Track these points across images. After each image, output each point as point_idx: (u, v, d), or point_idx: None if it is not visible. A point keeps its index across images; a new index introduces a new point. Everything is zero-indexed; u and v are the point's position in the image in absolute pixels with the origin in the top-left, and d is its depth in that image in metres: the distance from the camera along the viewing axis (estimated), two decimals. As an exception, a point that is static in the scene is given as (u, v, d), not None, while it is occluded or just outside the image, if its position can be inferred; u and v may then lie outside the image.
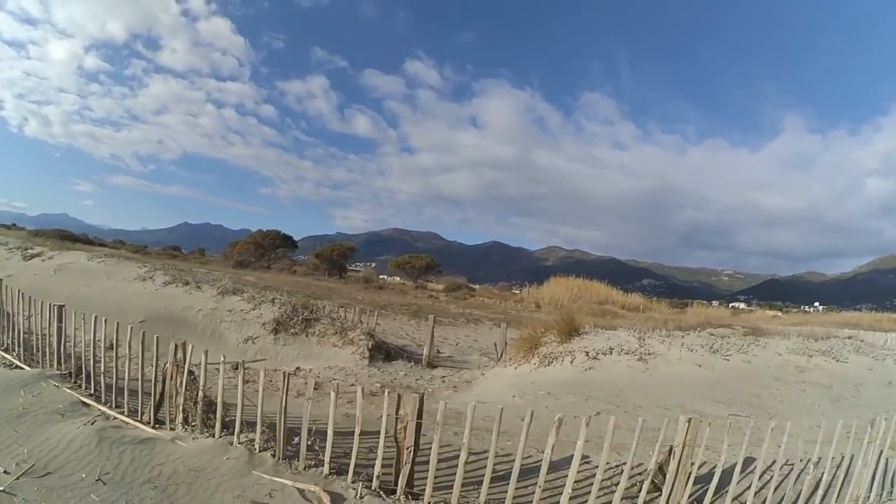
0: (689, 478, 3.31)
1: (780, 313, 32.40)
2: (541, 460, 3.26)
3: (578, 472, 3.19)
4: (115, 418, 4.25)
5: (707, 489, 3.42)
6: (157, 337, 4.39)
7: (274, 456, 3.76)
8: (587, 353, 8.35)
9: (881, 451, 3.99)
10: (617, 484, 3.29)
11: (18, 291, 5.38)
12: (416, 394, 3.49)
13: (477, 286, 33.96)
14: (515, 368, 8.71)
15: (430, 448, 3.39)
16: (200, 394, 4.11)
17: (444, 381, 8.59)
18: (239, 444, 3.85)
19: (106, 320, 4.89)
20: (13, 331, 5.42)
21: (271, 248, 31.70)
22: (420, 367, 9.41)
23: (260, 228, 33.57)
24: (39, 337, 5.27)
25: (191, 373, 4.23)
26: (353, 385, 7.69)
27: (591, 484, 3.22)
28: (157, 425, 4.25)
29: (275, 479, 3.41)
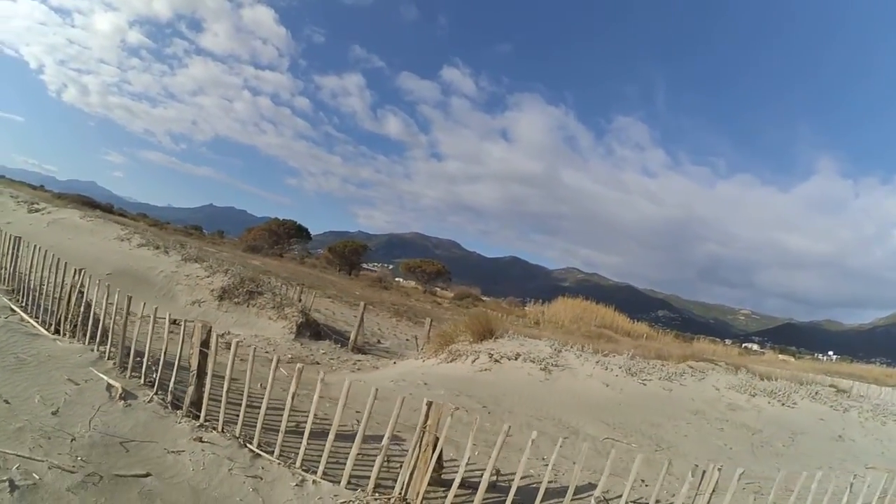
0: (428, 465, 3.98)
1: (792, 358, 31.33)
2: (352, 430, 4.45)
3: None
4: (27, 321, 6.18)
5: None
6: (66, 263, 6.30)
7: (115, 364, 5.44)
8: (490, 355, 9.51)
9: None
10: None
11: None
12: (204, 324, 5.05)
13: (487, 299, 35.30)
14: (423, 361, 10.02)
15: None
16: (81, 309, 5.93)
17: (355, 364, 10.08)
18: (96, 350, 5.59)
19: (58, 259, 6.88)
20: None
21: (286, 237, 34.78)
22: (344, 350, 10.94)
23: (272, 216, 36.87)
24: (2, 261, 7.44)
25: (81, 293, 6.06)
26: (266, 353, 9.34)
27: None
28: (56, 333, 6.12)
29: (100, 374, 5.07)
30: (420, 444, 4.02)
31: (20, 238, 7.14)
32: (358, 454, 4.20)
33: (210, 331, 5.01)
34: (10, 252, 7.23)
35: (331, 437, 4.25)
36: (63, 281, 6.22)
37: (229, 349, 4.88)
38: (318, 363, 9.77)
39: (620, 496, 3.99)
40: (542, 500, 3.90)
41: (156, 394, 5.03)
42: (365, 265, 39.10)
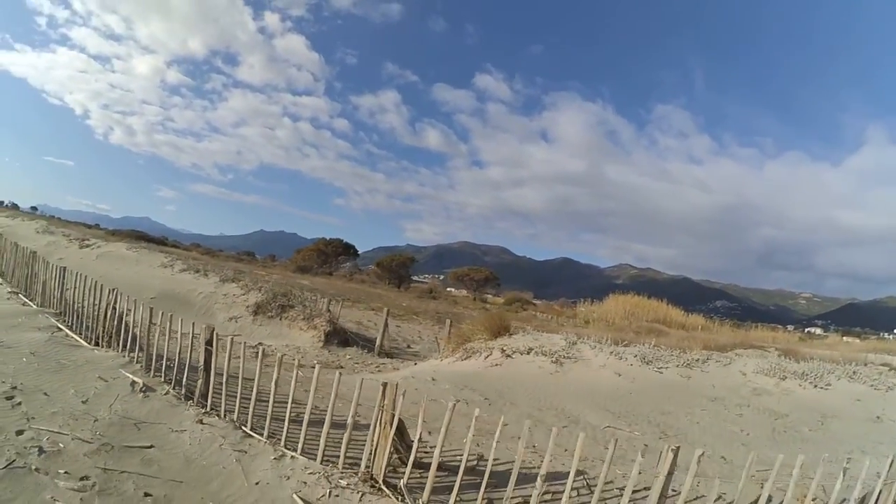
0: (387, 441, 4.45)
1: (857, 340, 28.67)
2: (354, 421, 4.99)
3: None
4: (71, 336, 7.55)
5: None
6: (102, 285, 7.62)
7: (141, 367, 6.59)
8: (503, 351, 10.03)
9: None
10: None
11: (42, 258, 9.29)
12: (207, 325, 6.06)
13: (539, 302, 35.40)
14: (441, 360, 10.68)
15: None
16: (115, 323, 7.19)
17: (377, 367, 10.92)
18: (127, 356, 6.79)
19: (95, 282, 8.32)
20: (39, 284, 9.31)
21: (334, 255, 36.84)
22: (370, 355, 11.84)
23: (321, 236, 39.24)
24: (52, 289, 9.03)
25: (114, 309, 7.34)
26: (292, 360, 10.40)
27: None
28: (95, 345, 7.43)
29: (126, 374, 6.22)
30: (380, 423, 4.54)
31: (65, 268, 8.67)
32: (344, 438, 4.94)
33: (213, 331, 6.01)
34: (57, 280, 8.77)
35: (305, 420, 5.02)
36: (100, 301, 7.54)
37: (256, 357, 5.74)
38: (342, 367, 10.68)
39: (612, 482, 4.28)
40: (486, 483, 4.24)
41: (172, 388, 6.10)
42: (415, 277, 40.48)
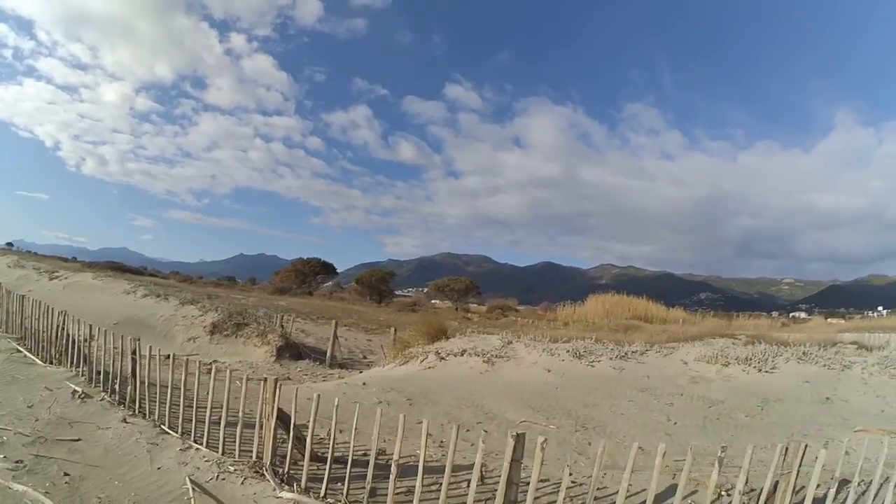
0: (272, 432, 5.33)
1: (842, 320, 29.86)
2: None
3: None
4: (28, 356, 8.84)
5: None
6: (53, 308, 8.93)
7: (86, 379, 7.85)
8: (437, 354, 11.23)
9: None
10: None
11: (5, 289, 10.63)
12: (133, 338, 7.32)
13: (522, 307, 36.67)
14: (383, 367, 11.91)
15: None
16: (64, 342, 8.48)
17: (324, 378, 12.13)
18: (75, 371, 8.06)
19: (49, 307, 9.62)
20: (3, 313, 10.65)
21: (312, 275, 38.22)
22: (321, 366, 13.07)
23: (300, 257, 40.77)
24: (13, 317, 10.36)
25: (63, 329, 8.62)
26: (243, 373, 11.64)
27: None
28: (49, 363, 8.70)
29: (70, 384, 7.49)
30: (261, 416, 5.64)
31: (24, 297, 10.00)
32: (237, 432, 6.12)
33: (138, 342, 7.29)
34: (18, 308, 10.11)
35: (207, 418, 6.11)
36: (51, 324, 8.85)
37: (209, 373, 6.83)
38: (290, 379, 11.91)
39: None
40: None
41: (109, 395, 7.36)
42: (399, 292, 41.79)
